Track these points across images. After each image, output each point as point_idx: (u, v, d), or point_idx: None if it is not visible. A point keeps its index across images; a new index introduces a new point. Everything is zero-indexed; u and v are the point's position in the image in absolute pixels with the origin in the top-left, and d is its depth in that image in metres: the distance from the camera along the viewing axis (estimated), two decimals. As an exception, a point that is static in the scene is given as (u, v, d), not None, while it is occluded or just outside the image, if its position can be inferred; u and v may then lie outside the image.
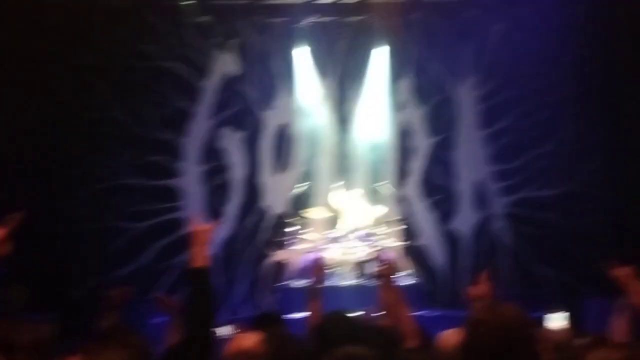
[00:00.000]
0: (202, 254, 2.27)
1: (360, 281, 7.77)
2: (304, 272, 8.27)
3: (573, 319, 6.28)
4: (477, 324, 1.69)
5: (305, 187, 9.03)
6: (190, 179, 9.06)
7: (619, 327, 3.41)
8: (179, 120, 9.08)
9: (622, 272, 2.70)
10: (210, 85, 9.24)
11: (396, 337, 2.65)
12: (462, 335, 1.73)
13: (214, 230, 2.43)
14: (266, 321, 3.20)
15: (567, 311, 5.92)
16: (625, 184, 8.37)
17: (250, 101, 9.26)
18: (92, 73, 8.63)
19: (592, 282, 8.40)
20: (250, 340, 2.07)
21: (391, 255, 8.11)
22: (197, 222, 2.39)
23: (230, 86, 9.24)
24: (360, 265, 3.93)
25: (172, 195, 8.97)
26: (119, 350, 1.80)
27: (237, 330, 3.74)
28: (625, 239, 8.26)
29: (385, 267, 2.74)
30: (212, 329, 2.19)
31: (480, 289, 2.98)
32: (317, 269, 3.33)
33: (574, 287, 8.16)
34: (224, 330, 3.68)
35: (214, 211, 8.99)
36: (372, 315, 5.71)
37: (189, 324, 2.19)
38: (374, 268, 2.89)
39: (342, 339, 2.07)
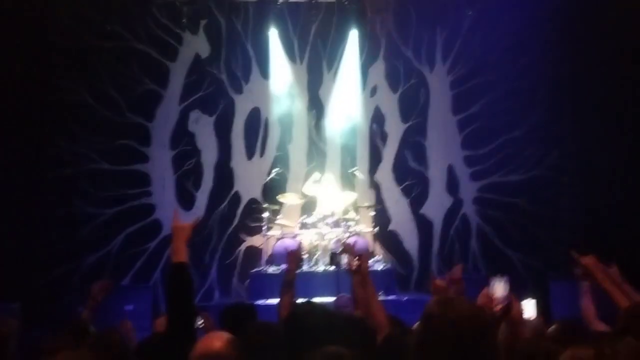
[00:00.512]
0: (182, 250, 2.45)
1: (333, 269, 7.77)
2: (277, 258, 8.26)
3: (540, 302, 6.41)
4: (429, 318, 1.70)
5: (278, 173, 8.96)
6: (161, 164, 8.89)
7: (586, 310, 3.49)
8: (148, 104, 8.87)
9: (586, 261, 2.75)
10: (180, 68, 9.04)
11: (369, 329, 2.65)
12: (417, 329, 1.75)
13: (194, 227, 2.60)
14: (238, 316, 3.17)
15: (535, 296, 6.04)
16: (593, 170, 8.55)
17: (221, 84, 9.10)
18: (57, 54, 8.35)
19: (558, 266, 8.64)
20: (219, 341, 2.03)
21: (363, 244, 8.15)
22: (178, 219, 2.62)
23: (201, 68, 9.06)
24: (333, 256, 3.91)
25: (141, 181, 8.79)
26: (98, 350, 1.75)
27: (208, 321, 3.70)
28: (593, 225, 8.48)
29: (357, 262, 2.72)
30: (193, 321, 2.39)
31: (447, 282, 3.02)
32: (292, 259, 3.30)
33: (541, 271, 8.34)
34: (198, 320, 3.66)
35: (185, 197, 8.87)
36: (344, 301, 5.73)
37: (171, 316, 2.34)
38: (346, 260, 2.89)
39: (314, 331, 2.05)
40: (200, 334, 2.69)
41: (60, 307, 7.51)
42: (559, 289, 7.64)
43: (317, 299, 7.15)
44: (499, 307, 2.13)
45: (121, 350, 2.56)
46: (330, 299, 5.80)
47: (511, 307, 2.15)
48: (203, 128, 9.05)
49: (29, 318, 6.67)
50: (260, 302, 7.25)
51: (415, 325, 2.95)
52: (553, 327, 3.07)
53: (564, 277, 8.17)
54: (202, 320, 3.56)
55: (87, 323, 3.38)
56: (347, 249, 3.15)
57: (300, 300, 2.66)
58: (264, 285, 7.92)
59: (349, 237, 8.21)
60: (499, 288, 2.19)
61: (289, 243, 8.28)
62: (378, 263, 8.36)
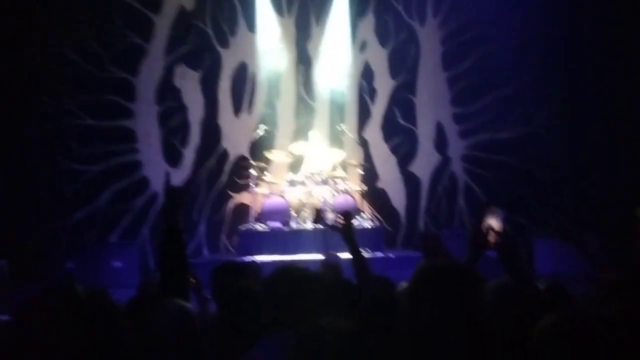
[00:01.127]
0: (177, 213, 2.58)
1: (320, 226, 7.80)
2: (266, 215, 8.27)
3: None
4: (422, 270, 1.80)
5: (266, 130, 8.87)
6: (146, 120, 8.74)
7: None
8: (132, 58, 8.64)
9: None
10: (165, 20, 8.78)
11: (355, 292, 2.66)
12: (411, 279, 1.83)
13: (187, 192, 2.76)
14: (228, 273, 3.16)
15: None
16: (581, 129, 8.56)
17: (207, 38, 8.87)
18: (38, 7, 8.04)
19: (543, 223, 8.76)
20: None
21: (351, 202, 8.17)
22: (173, 184, 2.69)
23: (186, 21, 8.81)
24: (317, 212, 3.90)
25: (127, 137, 8.66)
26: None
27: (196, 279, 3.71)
28: (579, 183, 8.55)
29: (340, 219, 2.69)
30: (186, 282, 2.55)
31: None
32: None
33: (525, 228, 8.44)
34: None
35: (172, 154, 8.78)
36: (332, 258, 5.78)
37: (163, 278, 2.48)
38: (330, 217, 2.88)
39: (297, 296, 2.04)
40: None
41: (48, 264, 7.53)
42: (542, 246, 7.79)
43: (305, 256, 7.23)
44: (493, 238, 2.12)
45: (111, 312, 2.55)
46: (318, 257, 5.85)
47: (506, 238, 2.14)
48: (189, 83, 8.87)
49: (16, 275, 6.70)
50: (248, 258, 7.30)
51: (404, 283, 2.98)
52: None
53: (548, 235, 8.34)
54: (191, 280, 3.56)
55: (75, 281, 3.37)
56: (333, 208, 3.12)
57: (283, 263, 2.67)
58: (253, 242, 7.96)
59: (336, 195, 8.23)
60: (494, 220, 2.16)
61: (277, 200, 8.29)
62: (366, 221, 8.41)
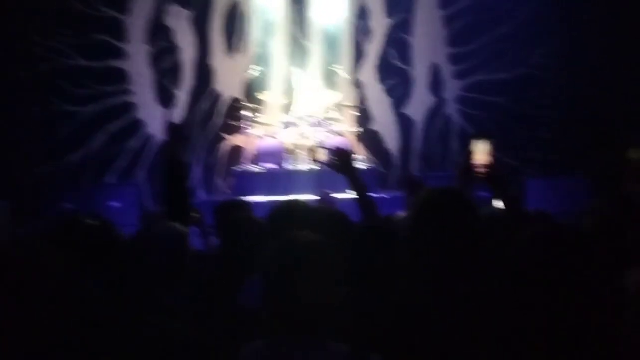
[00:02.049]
0: (180, 147, 2.84)
1: (315, 166, 7.86)
2: (260, 157, 8.32)
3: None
4: (425, 195, 1.89)
5: (259, 70, 8.78)
6: (138, 61, 8.62)
7: None
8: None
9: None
10: (155, -43, 8.51)
11: (350, 222, 2.74)
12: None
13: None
14: (228, 209, 3.24)
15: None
16: (577, 70, 8.52)
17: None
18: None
19: (535, 164, 8.86)
20: None
21: (344, 143, 8.21)
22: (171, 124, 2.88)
23: (177, -42, 8.54)
24: (311, 150, 3.93)
25: (119, 78, 8.57)
26: None
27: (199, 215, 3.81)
28: (574, 124, 8.60)
29: (338, 157, 2.71)
30: (189, 213, 2.73)
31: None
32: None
33: (517, 169, 8.55)
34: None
35: (165, 95, 8.71)
36: (326, 196, 5.89)
37: (169, 210, 2.67)
38: (325, 156, 2.91)
39: (297, 224, 2.12)
40: (192, 229, 2.79)
41: (46, 205, 7.61)
42: (534, 186, 7.92)
43: (299, 197, 7.32)
44: (481, 169, 2.14)
45: (114, 241, 2.62)
46: (313, 197, 5.95)
47: (493, 168, 2.15)
48: (180, 23, 8.70)
49: (17, 215, 6.79)
50: (243, 199, 7.39)
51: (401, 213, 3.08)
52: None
53: (540, 175, 8.46)
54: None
55: (78, 216, 3.43)
56: (327, 146, 3.15)
57: (283, 199, 2.74)
58: (247, 183, 8.04)
59: (330, 136, 8.25)
60: (481, 150, 2.15)
61: (271, 142, 8.32)
62: (359, 163, 8.47)
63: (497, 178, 2.10)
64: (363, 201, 2.50)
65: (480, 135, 2.17)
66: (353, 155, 2.65)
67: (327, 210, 2.70)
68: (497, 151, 2.08)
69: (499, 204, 2.21)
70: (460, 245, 1.75)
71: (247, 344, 1.58)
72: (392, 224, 2.69)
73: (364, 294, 1.95)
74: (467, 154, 2.15)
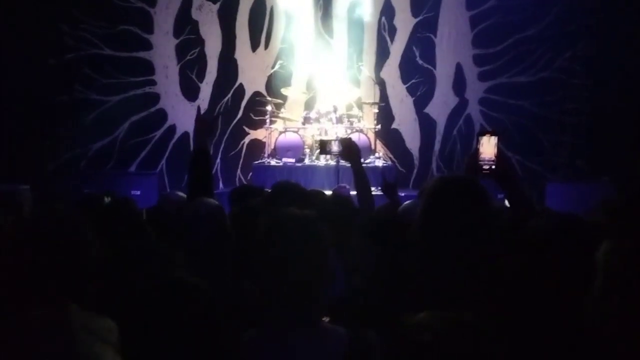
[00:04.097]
0: (204, 140, 2.90)
1: (331, 160, 7.86)
2: (280, 151, 8.37)
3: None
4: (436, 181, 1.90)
5: (283, 66, 8.82)
6: (164, 52, 8.73)
7: None
8: (150, -12, 8.54)
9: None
10: (184, -49, 8.61)
11: (352, 205, 2.77)
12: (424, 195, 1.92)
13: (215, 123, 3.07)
14: (245, 194, 3.28)
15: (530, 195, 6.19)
16: (602, 74, 8.37)
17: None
18: None
19: (557, 168, 8.74)
20: None
21: (363, 140, 8.20)
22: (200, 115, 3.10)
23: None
24: (323, 143, 3.96)
25: (145, 69, 8.68)
26: None
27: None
28: (596, 129, 8.46)
29: (347, 149, 2.73)
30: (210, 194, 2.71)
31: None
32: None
33: (539, 174, 8.44)
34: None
35: (190, 87, 8.81)
36: (343, 191, 5.89)
37: (191, 193, 2.73)
38: (336, 148, 2.97)
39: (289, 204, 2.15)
40: None
41: (68, 191, 7.75)
42: (554, 191, 7.81)
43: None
44: (486, 166, 2.07)
45: (136, 217, 2.68)
46: (329, 192, 5.96)
47: (500, 162, 2.08)
48: (206, 16, 8.79)
49: (38, 200, 6.94)
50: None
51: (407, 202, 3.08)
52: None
53: (561, 180, 8.34)
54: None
55: (101, 195, 3.51)
56: (340, 140, 3.19)
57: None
58: (266, 176, 8.09)
59: (350, 133, 8.26)
60: (488, 146, 2.09)
61: (291, 137, 8.35)
62: (378, 160, 8.46)
63: (503, 173, 2.07)
64: (362, 190, 2.55)
65: (488, 131, 2.14)
66: (358, 147, 2.70)
67: (321, 192, 2.76)
68: (510, 149, 2.05)
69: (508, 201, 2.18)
70: (471, 231, 1.75)
71: (243, 333, 1.58)
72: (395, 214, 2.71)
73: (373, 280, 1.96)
74: (475, 149, 2.14)
